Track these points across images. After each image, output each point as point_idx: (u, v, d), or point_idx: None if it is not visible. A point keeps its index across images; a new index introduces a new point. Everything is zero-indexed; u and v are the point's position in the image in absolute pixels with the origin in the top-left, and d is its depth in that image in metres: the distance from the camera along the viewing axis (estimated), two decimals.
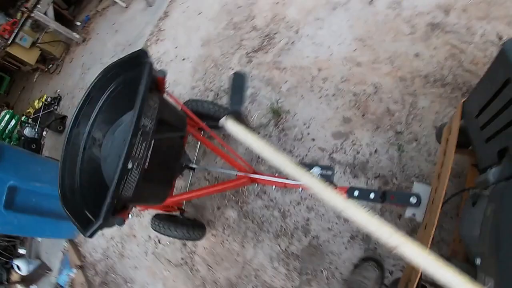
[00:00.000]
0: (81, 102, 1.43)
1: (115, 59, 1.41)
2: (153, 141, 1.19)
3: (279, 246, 1.73)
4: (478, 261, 0.87)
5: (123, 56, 1.35)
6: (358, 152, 1.75)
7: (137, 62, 1.29)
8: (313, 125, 1.88)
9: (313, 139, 1.85)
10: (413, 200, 1.21)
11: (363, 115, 1.82)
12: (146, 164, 1.20)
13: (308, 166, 1.24)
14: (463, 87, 1.73)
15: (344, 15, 2.16)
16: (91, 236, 1.09)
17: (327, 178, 1.23)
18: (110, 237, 2.19)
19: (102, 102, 1.47)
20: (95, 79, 1.41)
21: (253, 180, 1.52)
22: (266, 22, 2.32)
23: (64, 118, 2.82)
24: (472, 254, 0.99)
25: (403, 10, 2.05)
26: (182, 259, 1.94)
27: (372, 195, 1.28)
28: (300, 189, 1.44)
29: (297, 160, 1.83)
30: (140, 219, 2.11)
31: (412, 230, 1.53)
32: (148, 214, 2.09)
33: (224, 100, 2.15)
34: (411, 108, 1.76)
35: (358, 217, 0.69)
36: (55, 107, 3.01)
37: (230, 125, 0.85)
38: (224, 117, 0.86)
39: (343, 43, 2.06)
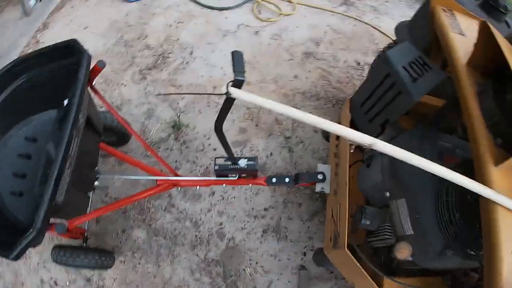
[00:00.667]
0: None
1: None
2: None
3: (197, 255, 1.95)
4: (387, 194, 1.41)
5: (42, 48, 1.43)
6: (256, 156, 2.21)
7: (63, 53, 1.39)
8: (213, 136, 2.26)
9: (215, 149, 2.23)
10: (320, 176, 1.73)
11: (256, 125, 2.34)
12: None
13: (236, 159, 1.60)
14: (333, 99, 2.49)
15: (234, 42, 2.74)
16: (17, 257, 1.07)
17: (253, 167, 1.61)
18: None
19: None
20: None
21: (176, 184, 1.73)
22: (160, 42, 2.67)
23: None
24: (375, 199, 1.56)
25: (283, 41, 2.78)
26: None
27: (287, 179, 1.73)
28: (224, 185, 1.74)
29: (202, 169, 2.17)
30: (26, 261, 1.94)
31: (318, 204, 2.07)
32: (35, 253, 1.96)
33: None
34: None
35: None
36: None
37: (235, 90, 0.93)
38: (228, 83, 0.93)
39: None
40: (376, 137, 1.56)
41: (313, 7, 3.03)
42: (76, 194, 1.41)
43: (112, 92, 2.45)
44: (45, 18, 2.74)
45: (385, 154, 1.47)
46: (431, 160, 1.13)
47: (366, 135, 0.96)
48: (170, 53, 2.64)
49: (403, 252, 1.28)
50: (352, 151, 1.82)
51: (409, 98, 1.35)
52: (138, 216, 2.04)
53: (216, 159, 1.64)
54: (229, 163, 1.62)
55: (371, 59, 2.61)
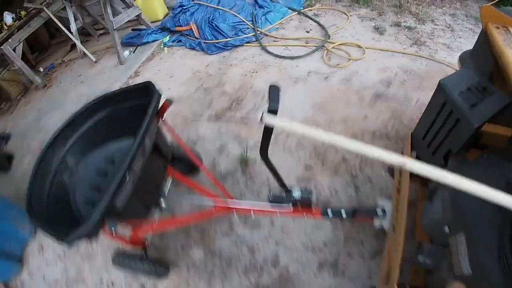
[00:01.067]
0: (64, 124, 1.87)
1: (77, 107, 1.87)
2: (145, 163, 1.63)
3: (249, 280, 2.07)
4: (446, 229, 1.36)
5: (125, 87, 1.93)
6: (320, 194, 2.35)
7: (140, 93, 1.85)
8: (279, 172, 2.50)
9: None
10: (379, 212, 1.77)
11: (323, 164, 2.51)
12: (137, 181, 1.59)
13: (290, 189, 1.73)
14: (404, 139, 2.56)
15: (304, 87, 3.09)
16: (71, 242, 1.35)
17: (307, 200, 1.72)
18: (53, 281, 2.31)
19: (84, 129, 1.94)
20: (83, 107, 1.90)
21: (231, 208, 1.95)
22: (235, 89, 3.17)
23: (11, 157, 3.13)
24: (436, 236, 1.52)
25: (352, 85, 3.04)
26: None
27: (343, 213, 1.79)
28: (278, 213, 1.86)
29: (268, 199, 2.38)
30: (91, 261, 2.33)
31: (382, 243, 2.01)
32: (100, 255, 2.35)
33: (194, 149, 2.75)
34: (362, 157, 2.51)
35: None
36: (3, 145, 3.31)
37: (269, 118, 1.04)
38: (263, 112, 1.06)
39: (303, 109, 2.90)
40: None
41: (383, 50, 3.27)
42: (136, 205, 1.71)
43: (190, 130, 2.93)
44: (136, 67, 3.52)
45: (446, 187, 1.51)
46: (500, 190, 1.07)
47: (394, 155, 0.96)
48: (243, 99, 3.09)
49: None
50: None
51: (468, 124, 1.37)
52: (199, 236, 2.30)
53: (271, 191, 1.83)
54: (283, 195, 1.77)
55: None
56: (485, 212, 1.23)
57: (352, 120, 2.75)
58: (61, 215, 1.75)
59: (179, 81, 3.39)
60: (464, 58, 1.91)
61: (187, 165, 2.45)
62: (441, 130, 1.61)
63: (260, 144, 1.35)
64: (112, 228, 1.48)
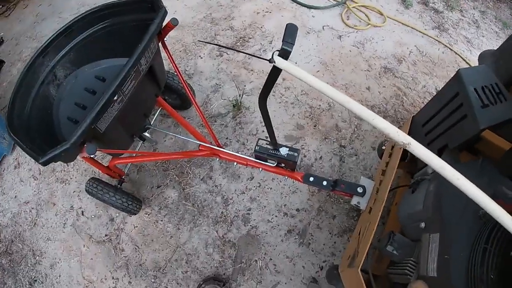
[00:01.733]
0: (58, 31, 1.51)
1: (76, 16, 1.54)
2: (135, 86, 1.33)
3: (217, 232, 1.88)
4: (422, 225, 1.22)
5: None
6: (305, 156, 2.07)
7: (144, 7, 1.46)
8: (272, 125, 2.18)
9: (267, 137, 2.12)
10: (360, 189, 1.54)
11: (315, 126, 2.19)
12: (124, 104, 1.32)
13: (278, 145, 1.49)
14: (401, 121, 2.23)
15: (315, 41, 2.62)
16: (46, 163, 1.12)
17: (293, 158, 1.48)
18: (25, 202, 2.06)
19: (79, 40, 1.57)
20: (85, 12, 1.51)
21: (216, 154, 1.68)
22: (244, 26, 2.67)
23: (1, 63, 2.69)
24: (409, 229, 1.35)
25: (365, 50, 2.59)
26: (106, 235, 1.93)
27: (325, 182, 1.56)
28: (260, 169, 1.63)
29: (249, 152, 2.09)
30: (65, 185, 2.07)
31: (353, 222, 1.88)
32: (75, 181, 2.08)
33: (189, 81, 2.36)
34: (356, 128, 2.18)
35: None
36: None
37: (279, 60, 0.86)
38: (274, 52, 0.86)
39: (309, 63, 2.48)
40: None
41: (404, 24, 2.77)
42: (120, 129, 1.44)
43: (188, 61, 2.49)
44: None
45: (433, 181, 1.27)
46: None
47: (401, 132, 0.79)
48: (251, 38, 2.61)
49: None
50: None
51: (474, 124, 1.15)
52: (176, 178, 2.04)
53: (259, 140, 1.54)
54: (271, 147, 1.51)
55: None
56: (466, 219, 1.07)
57: (354, 88, 2.38)
58: (41, 129, 1.47)
59: (187, 5, 2.83)
60: (484, 57, 1.56)
61: (179, 98, 2.08)
62: (445, 122, 1.36)
63: (261, 89, 1.07)
64: (91, 153, 1.19)
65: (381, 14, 2.80)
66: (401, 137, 0.77)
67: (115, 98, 1.22)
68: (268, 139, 1.46)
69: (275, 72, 0.95)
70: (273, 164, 1.58)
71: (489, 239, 0.94)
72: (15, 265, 1.93)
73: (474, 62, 2.57)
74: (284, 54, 0.86)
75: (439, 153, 1.36)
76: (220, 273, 1.79)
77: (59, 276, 1.88)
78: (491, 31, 2.89)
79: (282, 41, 0.85)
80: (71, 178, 2.12)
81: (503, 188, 1.09)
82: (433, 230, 1.15)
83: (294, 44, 0.86)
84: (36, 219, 2.03)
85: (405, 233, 1.40)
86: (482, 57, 1.56)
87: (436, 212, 1.17)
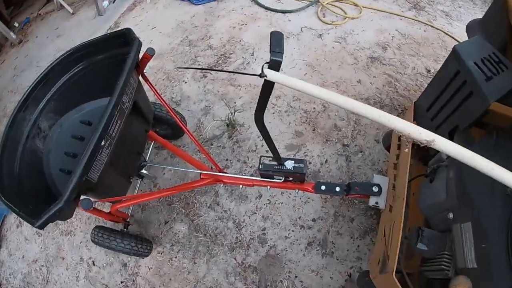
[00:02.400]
0: (35, 82, 1.43)
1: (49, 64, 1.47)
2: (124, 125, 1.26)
3: (235, 259, 1.78)
4: (450, 215, 1.13)
5: (101, 35, 1.44)
6: (310, 162, 2.00)
7: (117, 42, 1.40)
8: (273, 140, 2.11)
9: (267, 151, 2.04)
10: (375, 189, 1.45)
11: (314, 130, 2.12)
12: (114, 148, 1.24)
13: (283, 160, 1.41)
14: (399, 108, 2.17)
15: (296, 44, 2.57)
16: (42, 226, 1.05)
17: (300, 170, 1.39)
18: (33, 260, 1.96)
19: (58, 86, 1.50)
20: (58, 58, 1.44)
21: (219, 180, 1.61)
22: (222, 43, 2.62)
23: None
24: (436, 220, 1.26)
25: (348, 44, 2.54)
26: (121, 282, 1.83)
27: (338, 188, 1.48)
28: (268, 187, 1.56)
29: (252, 170, 2.01)
30: (70, 238, 1.98)
31: (372, 221, 1.79)
32: (80, 231, 1.99)
33: (177, 108, 2.28)
34: (355, 124, 2.11)
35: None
36: None
37: (270, 72, 0.80)
38: (263, 65, 0.81)
39: (295, 67, 2.42)
40: None
41: (380, 10, 2.74)
42: (115, 175, 1.36)
43: (173, 88, 2.43)
44: (116, 18, 2.89)
45: (451, 167, 1.18)
46: None
47: (423, 129, 0.71)
48: (231, 53, 2.55)
49: None
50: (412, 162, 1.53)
51: (482, 99, 1.09)
52: (183, 210, 1.95)
53: (262, 158, 1.46)
54: (275, 163, 1.43)
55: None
56: (496, 199, 0.99)
57: (345, 83, 2.32)
58: (34, 186, 1.38)
59: (162, 32, 2.79)
60: (472, 27, 1.50)
61: (169, 127, 2.01)
62: (450, 103, 1.29)
63: (256, 105, 0.99)
64: (87, 208, 1.13)
65: (356, 5, 2.77)
66: (424, 135, 0.70)
67: (103, 143, 1.14)
68: (270, 155, 1.38)
69: (268, 86, 0.89)
70: (281, 180, 1.50)
71: None
72: None
73: (457, 34, 2.53)
74: (275, 65, 0.81)
75: (450, 136, 1.29)
76: None
77: None
78: (467, 0, 2.86)
79: (270, 52, 0.80)
80: (75, 229, 2.03)
81: None
82: (463, 219, 1.07)
83: (283, 53, 0.80)
84: (48, 277, 1.93)
85: (431, 224, 1.31)
86: (469, 28, 1.51)
87: (463, 200, 1.09)
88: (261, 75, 0.81)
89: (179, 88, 2.41)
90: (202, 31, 2.72)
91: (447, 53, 2.39)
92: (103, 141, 1.14)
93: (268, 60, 0.80)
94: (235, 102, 2.30)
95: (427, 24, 2.64)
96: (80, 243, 1.97)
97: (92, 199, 1.19)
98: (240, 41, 2.62)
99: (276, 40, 0.82)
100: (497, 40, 1.25)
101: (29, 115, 1.46)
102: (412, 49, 2.49)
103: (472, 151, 1.12)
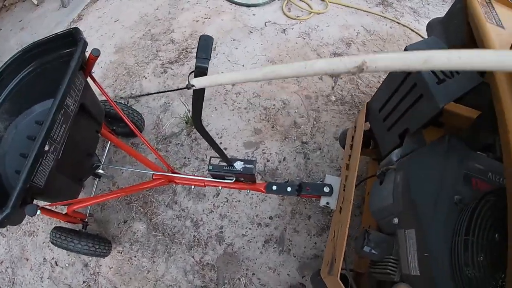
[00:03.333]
0: None
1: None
2: (70, 128, 1.23)
3: (193, 257, 1.80)
4: (395, 220, 1.14)
5: (49, 35, 1.38)
6: (268, 160, 2.01)
7: (66, 42, 1.36)
8: (225, 135, 2.10)
9: (225, 148, 2.06)
10: (326, 189, 1.49)
11: (273, 127, 2.13)
12: (61, 152, 1.22)
13: (232, 161, 1.40)
14: (359, 105, 2.21)
15: (259, 39, 2.55)
16: None
17: (249, 171, 1.39)
18: None
19: (11, 87, 1.45)
20: (10, 59, 1.39)
21: (171, 180, 1.61)
22: (185, 37, 2.56)
23: None
24: (383, 224, 1.28)
25: (311, 40, 2.54)
26: (84, 282, 1.82)
27: (289, 188, 1.51)
28: (220, 187, 1.57)
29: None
30: (34, 238, 1.93)
31: (329, 218, 1.83)
32: (42, 231, 1.95)
33: (135, 106, 2.24)
34: (315, 122, 2.14)
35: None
36: None
37: (198, 81, 0.77)
38: (189, 75, 0.80)
39: (256, 63, 2.41)
40: (394, 149, 1.31)
41: (347, 6, 2.74)
42: (63, 179, 1.34)
43: (133, 83, 2.38)
44: (80, 10, 2.77)
45: (399, 171, 1.21)
46: (455, 183, 0.94)
47: (346, 57, 0.52)
48: (193, 48, 2.51)
49: None
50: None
51: (432, 103, 1.08)
52: (141, 209, 1.94)
53: (211, 159, 1.45)
54: (224, 164, 1.43)
55: None
56: (441, 209, 0.98)
57: (306, 80, 2.33)
58: None
59: (125, 25, 2.69)
60: (433, 26, 1.49)
61: (127, 125, 1.97)
62: (400, 105, 1.29)
63: (192, 112, 0.99)
64: (31, 214, 1.11)
65: (323, 0, 2.75)
66: (349, 62, 0.52)
67: (47, 148, 1.13)
68: (219, 157, 1.38)
69: (198, 93, 0.88)
70: (232, 180, 1.51)
71: (469, 229, 0.87)
72: None
73: (424, 31, 2.55)
74: (201, 72, 0.79)
75: (401, 138, 1.29)
76: None
77: None
78: None
79: (196, 58, 0.78)
80: (37, 229, 1.99)
81: (475, 165, 1.03)
82: (408, 226, 1.08)
83: (209, 59, 0.79)
84: (13, 278, 1.89)
85: (380, 227, 1.34)
86: (430, 26, 1.49)
87: (408, 206, 1.09)
88: (189, 87, 0.78)
89: (139, 83, 2.36)
90: (165, 24, 2.66)
91: None
92: (47, 146, 1.12)
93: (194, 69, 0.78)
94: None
95: (394, 21, 2.66)
96: (43, 243, 1.93)
97: (40, 204, 1.17)
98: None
99: (204, 45, 0.80)
100: (456, 40, 1.25)
101: None
102: (377, 46, 2.52)
103: (423, 153, 1.14)
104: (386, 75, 1.51)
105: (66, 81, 1.17)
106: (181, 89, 0.83)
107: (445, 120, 1.25)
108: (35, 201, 1.21)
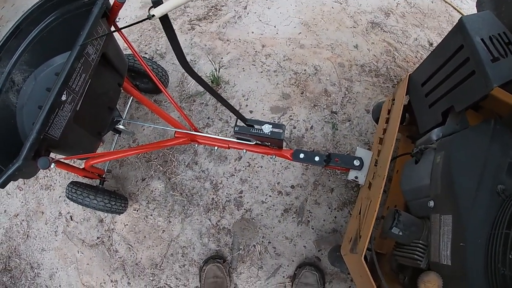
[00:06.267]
0: (7, 34, 1.31)
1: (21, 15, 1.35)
2: (90, 79, 1.16)
3: (210, 220, 1.75)
4: (431, 203, 1.06)
5: None
6: (294, 127, 1.91)
7: None
8: (252, 97, 2.00)
9: (251, 111, 1.96)
10: (356, 162, 1.38)
11: (302, 93, 2.01)
12: (80, 103, 1.16)
13: (258, 123, 1.31)
14: (394, 79, 2.05)
15: (294, 0, 2.38)
16: (3, 185, 1.01)
17: (277, 136, 1.30)
18: (14, 215, 1.92)
19: (31, 37, 1.38)
20: (30, 8, 1.31)
21: (194, 139, 1.53)
22: None
23: None
24: (416, 206, 1.19)
25: (349, 6, 2.35)
26: (98, 238, 1.81)
27: (317, 158, 1.41)
28: (244, 151, 1.48)
29: (232, 130, 1.93)
30: (50, 192, 1.91)
31: (352, 193, 1.75)
32: (59, 186, 1.93)
33: (160, 63, 2.15)
34: (346, 91, 2.00)
35: None
36: None
37: (158, 10, 0.84)
38: (149, 8, 0.86)
39: (289, 25, 2.25)
40: (435, 127, 1.20)
41: None
42: (81, 131, 1.28)
43: (158, 39, 2.27)
44: None
45: (440, 151, 1.07)
46: (499, 172, 0.89)
47: None
48: (223, 5, 2.36)
49: (430, 286, 0.93)
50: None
51: (485, 81, 0.97)
52: (160, 168, 1.88)
53: (238, 120, 1.36)
54: (252, 126, 1.32)
55: None
56: (483, 197, 0.91)
57: (341, 47, 2.17)
58: (6, 143, 1.30)
59: None
60: (483, 2, 1.34)
61: (151, 82, 1.88)
62: (448, 80, 1.17)
63: (174, 51, 0.99)
64: (43, 167, 1.06)
65: None
66: None
67: (64, 98, 1.06)
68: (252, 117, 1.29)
69: (165, 23, 0.91)
70: (254, 143, 1.42)
71: (510, 223, 0.81)
72: (16, 281, 1.83)
73: (466, 11, 2.35)
74: (157, 2, 0.84)
75: (444, 117, 1.19)
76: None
77: (59, 286, 1.78)
78: None
79: None
80: (54, 183, 1.97)
81: None
82: (445, 211, 1.00)
83: None
84: (28, 231, 1.91)
85: (410, 208, 1.25)
86: (480, 3, 1.36)
87: (447, 190, 1.00)
88: (150, 17, 0.85)
89: (165, 39, 2.25)
90: None
91: None
92: (64, 95, 1.06)
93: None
94: (222, 58, 2.15)
95: None
96: (59, 197, 1.92)
97: (54, 157, 1.12)
98: None
99: None
100: (509, 19, 1.12)
101: (2, 68, 1.35)
102: (417, 19, 2.31)
103: (467, 135, 1.04)
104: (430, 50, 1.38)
105: (87, 28, 1.09)
106: (140, 21, 0.86)
107: (485, 104, 1.15)
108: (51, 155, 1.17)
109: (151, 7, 0.85)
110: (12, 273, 1.86)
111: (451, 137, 1.10)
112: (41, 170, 1.37)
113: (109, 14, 1.26)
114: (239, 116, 1.25)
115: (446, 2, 2.41)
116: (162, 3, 0.84)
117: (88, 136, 1.36)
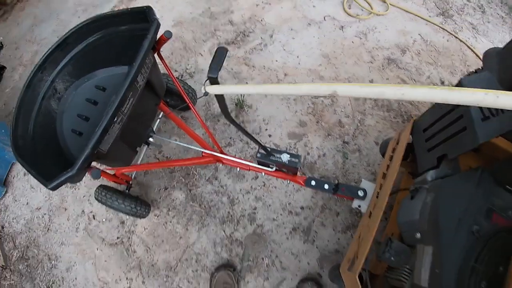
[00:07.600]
0: (54, 46, 1.51)
1: (75, 18, 1.53)
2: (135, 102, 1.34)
3: (224, 231, 1.94)
4: (418, 235, 1.25)
5: (121, 9, 1.50)
6: (308, 153, 2.11)
7: (137, 18, 1.45)
8: (271, 122, 2.20)
9: (270, 135, 2.16)
10: (360, 193, 1.57)
11: (317, 122, 2.21)
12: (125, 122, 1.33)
13: (278, 152, 1.50)
14: (404, 115, 2.24)
15: (316, 32, 2.59)
16: (54, 188, 1.15)
17: (294, 165, 1.48)
18: (36, 208, 2.14)
19: (76, 52, 1.58)
20: (79, 25, 1.51)
21: (219, 160, 1.72)
22: (243, 20, 2.64)
23: (2, 68, 2.69)
24: (407, 236, 1.37)
25: (368, 41, 2.56)
26: (118, 238, 2.01)
27: (326, 186, 1.60)
28: (263, 173, 1.66)
29: (252, 151, 2.13)
30: (74, 191, 2.14)
31: (356, 219, 1.93)
32: (84, 186, 2.15)
33: (189, 82, 2.37)
34: (359, 124, 2.20)
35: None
36: None
37: (211, 88, 0.93)
38: (204, 82, 0.95)
39: (311, 56, 2.47)
40: (430, 169, 1.39)
41: (407, 11, 2.72)
42: (123, 147, 1.46)
43: (188, 59, 2.49)
44: None
45: (430, 192, 1.30)
46: (478, 215, 1.03)
47: (324, 85, 0.66)
48: (251, 32, 2.59)
49: None
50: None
51: (473, 137, 1.14)
52: (182, 179, 2.09)
53: (260, 149, 1.56)
54: (272, 154, 1.52)
55: (457, 80, 2.31)
56: (460, 235, 1.08)
57: (357, 81, 2.37)
58: (46, 147, 1.49)
59: (185, 0, 2.79)
60: (489, 56, 1.51)
61: (180, 100, 2.10)
62: (444, 131, 1.36)
63: (222, 112, 1.15)
64: (95, 178, 1.27)
65: (384, 1, 2.75)
66: (323, 89, 0.67)
67: (115, 119, 1.24)
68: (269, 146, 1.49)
69: (219, 98, 1.03)
70: (273, 169, 1.62)
71: (478, 258, 0.98)
72: (32, 270, 2.02)
73: (480, 50, 2.53)
74: (212, 81, 0.92)
75: (438, 161, 1.37)
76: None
77: (75, 278, 1.97)
78: (497, 16, 2.82)
79: (209, 67, 0.91)
80: (80, 183, 2.17)
81: (499, 201, 1.11)
82: (427, 242, 1.18)
83: (219, 70, 0.91)
84: (49, 225, 2.10)
85: (402, 237, 1.43)
86: (487, 56, 1.52)
87: (431, 225, 1.19)
88: (205, 94, 1.00)
89: (195, 60, 2.48)
90: (225, 4, 2.74)
91: (465, 68, 2.45)
92: (116, 117, 1.22)
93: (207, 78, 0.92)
94: (246, 82, 2.37)
95: (452, 34, 2.63)
96: (83, 197, 2.13)
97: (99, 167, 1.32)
98: (261, 20, 2.64)
99: (218, 57, 0.93)
100: (508, 76, 1.28)
101: (47, 76, 1.55)
102: (431, 57, 2.51)
103: (456, 181, 1.22)
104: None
105: (138, 60, 1.23)
106: (200, 97, 1.06)
107: (483, 148, 1.30)
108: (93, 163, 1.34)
109: (207, 80, 0.93)
110: (28, 262, 2.05)
111: (441, 181, 1.29)
112: None
113: (156, 46, 1.45)
114: (262, 146, 1.45)
115: (461, 41, 2.60)
116: (217, 79, 0.91)
117: (128, 150, 1.56)
